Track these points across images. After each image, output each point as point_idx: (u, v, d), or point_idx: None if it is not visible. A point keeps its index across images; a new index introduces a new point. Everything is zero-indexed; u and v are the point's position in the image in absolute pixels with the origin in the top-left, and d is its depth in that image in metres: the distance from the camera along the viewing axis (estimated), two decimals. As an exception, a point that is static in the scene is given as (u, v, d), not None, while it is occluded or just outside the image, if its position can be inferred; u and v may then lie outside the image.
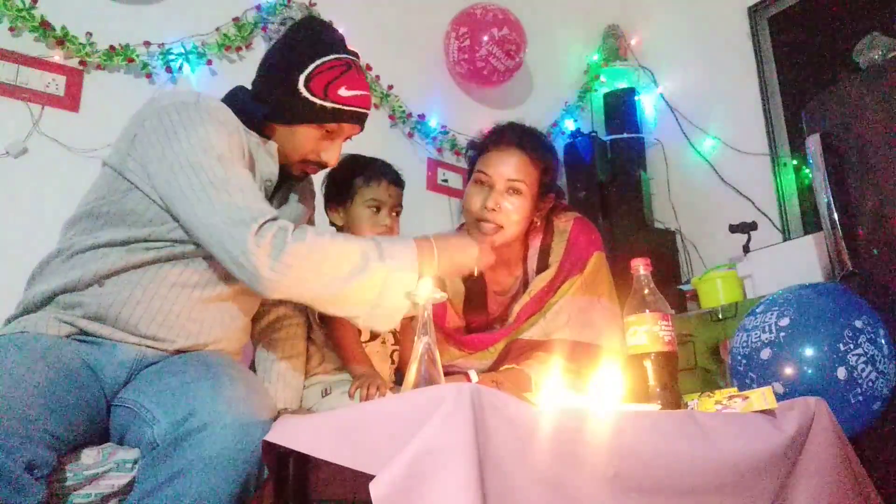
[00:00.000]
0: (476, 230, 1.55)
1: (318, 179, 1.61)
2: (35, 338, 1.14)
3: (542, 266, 1.61)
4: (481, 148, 1.61)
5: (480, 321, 1.68)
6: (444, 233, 1.33)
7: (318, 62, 1.30)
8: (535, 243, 1.63)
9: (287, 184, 1.45)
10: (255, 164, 1.30)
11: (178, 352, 1.25)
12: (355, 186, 1.58)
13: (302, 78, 1.28)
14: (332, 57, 1.32)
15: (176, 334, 1.23)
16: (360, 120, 1.36)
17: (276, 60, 1.35)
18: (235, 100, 1.34)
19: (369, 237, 1.22)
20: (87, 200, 1.27)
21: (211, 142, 1.17)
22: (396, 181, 1.62)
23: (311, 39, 1.35)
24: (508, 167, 1.52)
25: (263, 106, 1.32)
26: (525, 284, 1.65)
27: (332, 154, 1.36)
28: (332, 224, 1.64)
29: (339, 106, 1.30)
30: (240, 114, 1.30)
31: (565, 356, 1.52)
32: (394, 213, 1.60)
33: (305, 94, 1.28)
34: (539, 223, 1.62)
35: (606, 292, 1.60)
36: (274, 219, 1.14)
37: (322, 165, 1.39)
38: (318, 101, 1.29)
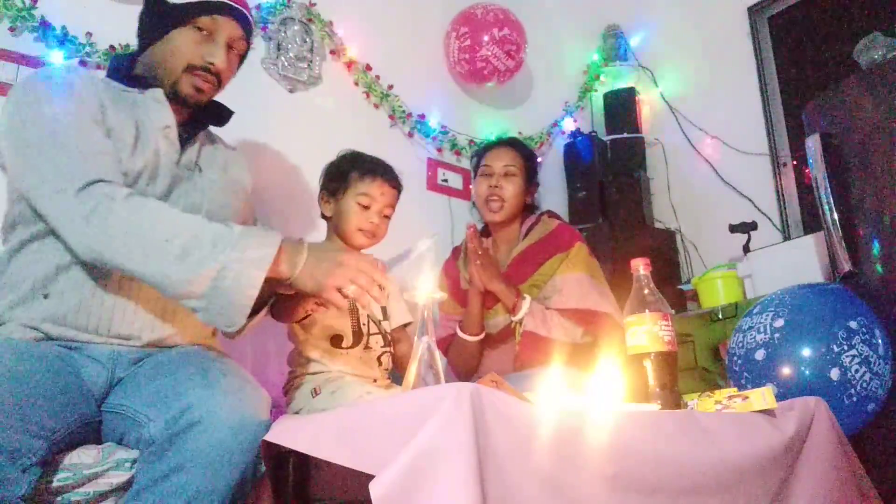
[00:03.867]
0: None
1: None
2: (11, 340, 1.14)
3: (524, 239, 2.01)
4: (482, 153, 2.09)
5: None
6: (328, 248, 1.17)
7: None
8: (525, 227, 2.03)
9: (211, 143, 1.45)
10: (138, 118, 1.28)
11: (150, 345, 1.24)
12: (350, 179, 1.59)
13: None
14: None
15: (140, 328, 1.22)
16: (234, 13, 1.34)
17: (144, 3, 1.38)
18: (110, 66, 1.37)
19: (228, 224, 1.13)
20: (6, 210, 1.27)
21: (46, 111, 1.16)
22: (392, 182, 1.63)
23: None
24: (504, 158, 2.01)
25: (141, 44, 1.34)
26: None
27: (217, 55, 1.33)
28: (322, 216, 1.65)
29: None
30: (116, 75, 1.33)
31: (572, 321, 1.80)
32: (384, 215, 1.61)
33: (171, 0, 1.30)
34: (533, 217, 2.05)
35: (592, 272, 1.91)
36: (104, 181, 1.11)
37: (210, 71, 1.34)
38: (183, 1, 1.29)
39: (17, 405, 0.95)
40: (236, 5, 1.34)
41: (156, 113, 1.30)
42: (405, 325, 1.73)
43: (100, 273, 1.19)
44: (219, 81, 1.37)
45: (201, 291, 1.06)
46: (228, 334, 1.38)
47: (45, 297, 1.18)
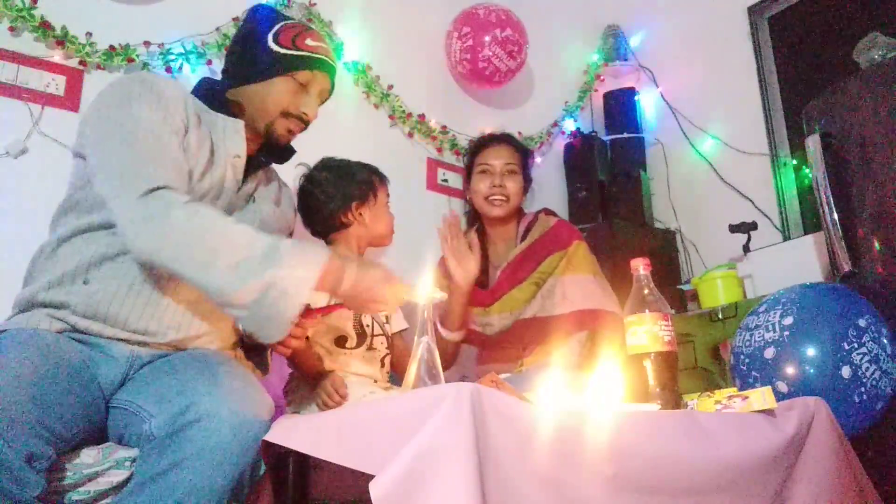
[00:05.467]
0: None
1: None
2: (38, 333, 1.14)
3: (523, 239, 1.99)
4: (478, 148, 2.04)
5: (479, 283, 1.96)
6: (373, 265, 1.24)
7: (282, 23, 1.41)
8: (522, 226, 2.01)
9: (268, 179, 1.49)
10: (214, 141, 1.33)
11: (170, 345, 1.25)
12: (375, 185, 1.71)
13: (270, 36, 1.38)
14: (292, 20, 1.44)
15: (166, 326, 1.24)
16: (329, 69, 1.43)
17: (241, 36, 1.44)
18: (198, 86, 1.41)
19: (279, 237, 1.17)
20: (65, 196, 1.30)
21: (134, 113, 1.20)
22: None
23: (270, 10, 1.49)
24: (504, 156, 1.98)
25: (235, 78, 1.39)
26: None
27: (311, 107, 1.41)
28: (343, 225, 1.66)
29: (308, 53, 1.39)
30: (203, 97, 1.37)
31: (576, 325, 1.79)
32: None
33: (275, 47, 1.37)
34: (530, 215, 2.03)
35: (595, 271, 1.90)
36: (169, 188, 1.14)
37: (303, 120, 1.42)
38: (289, 52, 1.37)
39: (38, 410, 0.97)
40: (332, 63, 1.45)
41: (231, 141, 1.35)
42: (401, 332, 1.74)
43: (143, 268, 1.22)
44: (305, 126, 1.46)
45: (246, 303, 1.10)
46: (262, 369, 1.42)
47: (85, 282, 1.21)
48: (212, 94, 1.39)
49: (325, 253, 1.17)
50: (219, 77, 1.47)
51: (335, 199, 1.65)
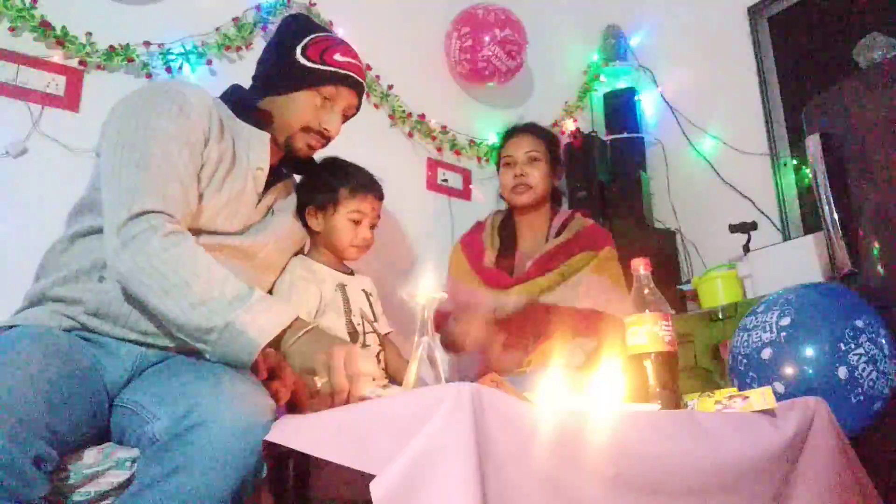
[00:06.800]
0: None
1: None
2: (48, 331, 1.14)
3: (557, 234, 2.01)
4: (502, 142, 2.11)
5: (506, 269, 2.01)
6: (332, 337, 1.16)
7: (313, 35, 1.39)
8: (557, 221, 2.03)
9: (287, 191, 1.49)
10: (237, 152, 1.32)
11: (176, 347, 1.25)
12: (340, 196, 1.61)
13: (299, 48, 1.37)
14: (325, 33, 1.42)
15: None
16: (356, 86, 1.42)
17: (273, 43, 1.43)
18: (228, 93, 1.40)
19: (252, 287, 1.12)
20: (83, 193, 1.30)
21: (148, 126, 1.19)
22: (380, 195, 1.69)
23: (304, 21, 1.47)
24: (524, 145, 2.03)
25: (261, 87, 1.38)
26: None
27: (333, 123, 1.40)
28: (307, 227, 1.63)
29: (336, 69, 1.37)
30: (231, 104, 1.36)
31: (586, 326, 1.80)
32: (372, 226, 1.67)
33: (303, 60, 1.36)
34: (566, 213, 2.05)
35: (620, 283, 1.91)
36: (159, 213, 1.13)
37: (324, 136, 1.41)
38: (316, 66, 1.36)
39: (47, 413, 0.97)
40: (360, 80, 1.43)
41: (255, 153, 1.34)
42: (386, 334, 1.74)
43: None
44: (327, 142, 1.45)
45: (209, 339, 1.09)
46: None
47: (101, 280, 1.20)
48: (240, 103, 1.38)
49: (293, 312, 1.13)
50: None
51: (303, 196, 1.62)
